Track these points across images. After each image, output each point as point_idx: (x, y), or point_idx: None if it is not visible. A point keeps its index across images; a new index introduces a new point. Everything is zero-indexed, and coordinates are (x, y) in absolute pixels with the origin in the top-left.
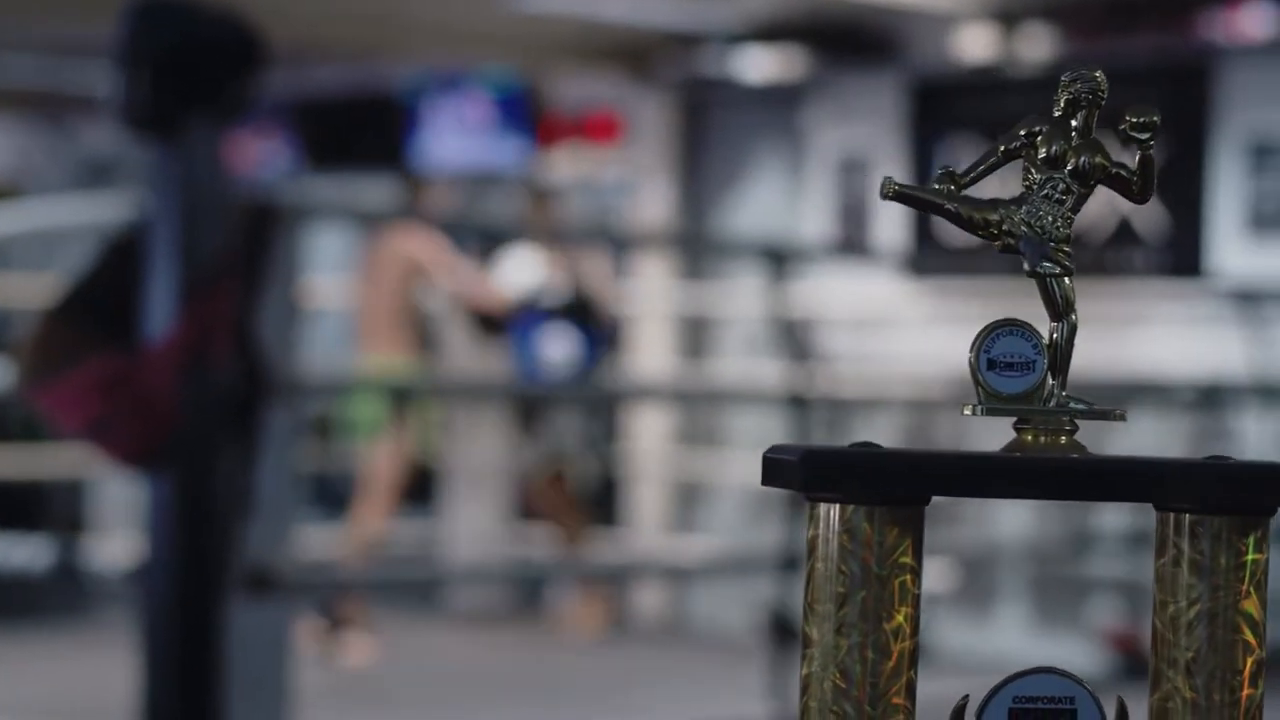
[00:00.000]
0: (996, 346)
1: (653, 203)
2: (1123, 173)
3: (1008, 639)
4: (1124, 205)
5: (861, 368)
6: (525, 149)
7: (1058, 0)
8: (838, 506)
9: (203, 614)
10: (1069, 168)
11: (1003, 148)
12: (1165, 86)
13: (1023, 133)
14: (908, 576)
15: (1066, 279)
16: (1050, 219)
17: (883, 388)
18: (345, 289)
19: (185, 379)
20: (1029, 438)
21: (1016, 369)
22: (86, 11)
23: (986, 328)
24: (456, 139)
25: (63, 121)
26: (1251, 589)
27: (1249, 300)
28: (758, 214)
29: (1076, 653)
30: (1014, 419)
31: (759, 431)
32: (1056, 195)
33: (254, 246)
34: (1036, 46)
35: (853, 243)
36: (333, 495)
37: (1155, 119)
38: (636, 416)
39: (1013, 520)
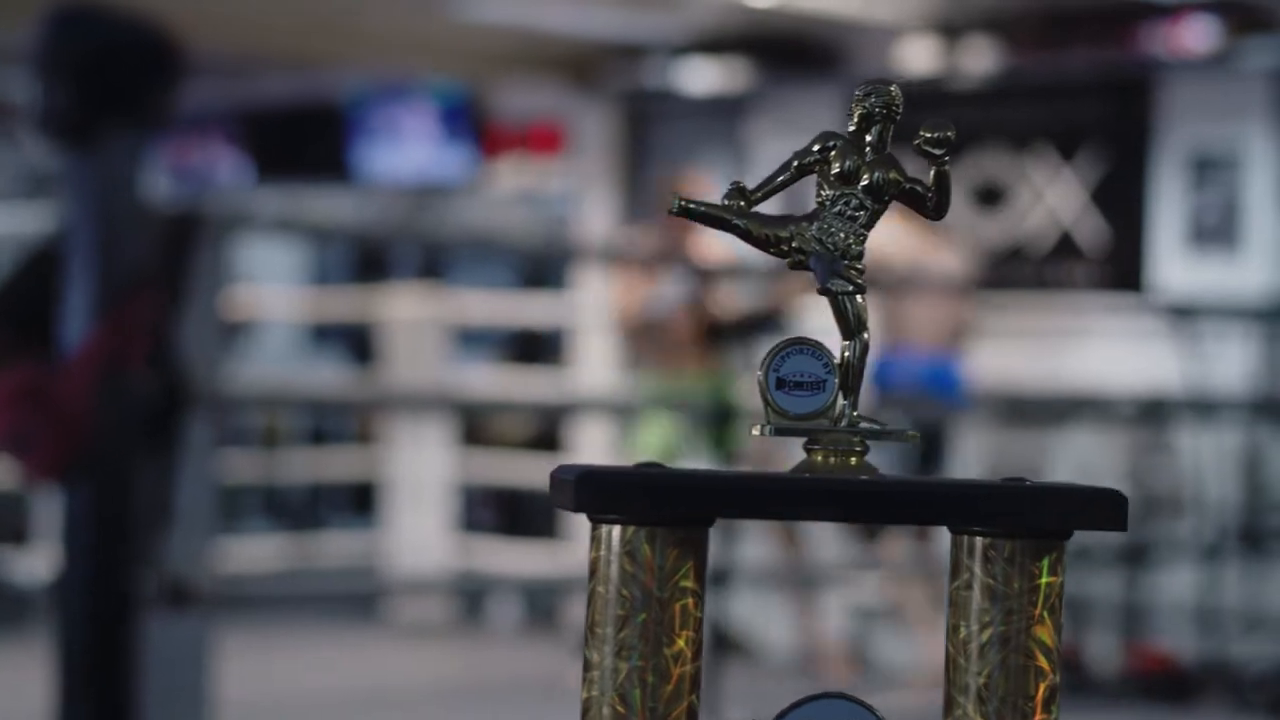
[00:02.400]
0: (786, 365)
1: (596, 214)
2: (918, 189)
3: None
4: (1066, 217)
5: None
6: (469, 160)
7: (999, 13)
8: (618, 528)
9: (119, 627)
10: (863, 183)
11: (796, 163)
12: (1106, 100)
13: (816, 148)
14: (689, 600)
15: (859, 297)
16: (842, 235)
17: None
18: (293, 300)
19: (102, 390)
20: (819, 458)
21: (806, 388)
22: (18, 18)
23: (776, 346)
24: (401, 150)
25: (6, 130)
26: (1045, 613)
27: (1185, 315)
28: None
29: None
30: (805, 439)
31: None
32: (850, 211)
33: (176, 258)
34: (978, 59)
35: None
36: (280, 507)
37: (950, 134)
38: (578, 428)
39: None
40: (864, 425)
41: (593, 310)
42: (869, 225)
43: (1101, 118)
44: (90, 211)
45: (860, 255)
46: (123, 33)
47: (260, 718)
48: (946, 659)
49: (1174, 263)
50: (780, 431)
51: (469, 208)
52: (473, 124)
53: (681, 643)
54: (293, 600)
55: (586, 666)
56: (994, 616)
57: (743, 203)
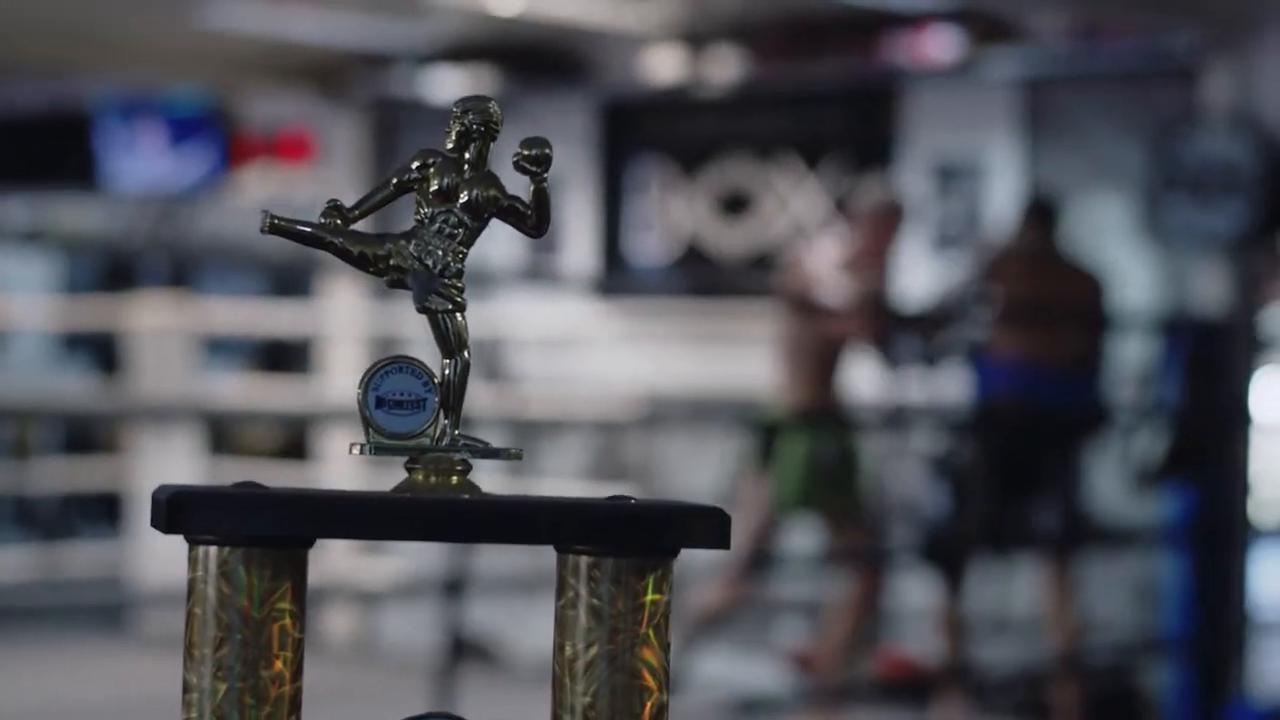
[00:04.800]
0: (385, 384)
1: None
2: (518, 206)
3: (698, 662)
4: (810, 226)
5: (550, 388)
6: (216, 168)
7: (744, 23)
8: (214, 548)
9: None
10: (461, 201)
11: (395, 180)
12: (850, 109)
13: (415, 165)
14: (287, 620)
15: (459, 315)
16: (441, 253)
17: (571, 408)
18: (42, 309)
19: None
20: (420, 478)
21: (406, 407)
22: None
23: (374, 365)
24: (148, 158)
25: None
26: (650, 632)
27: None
28: None
29: (766, 674)
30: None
31: None
32: (449, 229)
33: None
34: (724, 68)
35: (542, 263)
36: (30, 517)
37: (547, 151)
38: (327, 438)
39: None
40: (465, 444)
41: (341, 318)
42: (468, 243)
43: (845, 126)
44: None
45: (460, 273)
46: None
47: None
48: (554, 679)
49: (919, 270)
50: (380, 450)
51: (216, 216)
52: (220, 132)
53: (280, 664)
54: (38, 612)
55: (186, 688)
56: (599, 636)
57: (339, 221)
